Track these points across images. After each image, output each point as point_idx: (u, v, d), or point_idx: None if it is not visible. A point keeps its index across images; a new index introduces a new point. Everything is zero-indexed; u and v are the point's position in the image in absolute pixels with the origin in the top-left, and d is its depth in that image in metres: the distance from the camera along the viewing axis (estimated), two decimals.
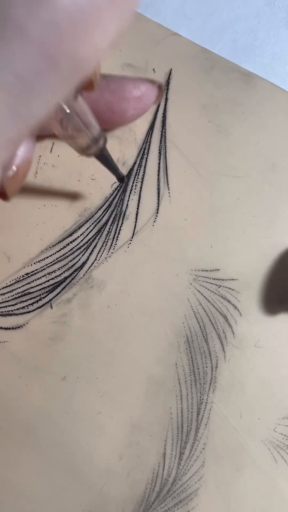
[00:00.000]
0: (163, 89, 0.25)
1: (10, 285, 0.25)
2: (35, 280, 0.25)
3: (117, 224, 0.26)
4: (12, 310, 0.25)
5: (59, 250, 0.26)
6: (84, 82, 0.16)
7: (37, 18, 0.08)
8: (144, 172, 0.26)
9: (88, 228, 0.26)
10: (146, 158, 0.27)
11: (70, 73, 0.09)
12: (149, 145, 0.27)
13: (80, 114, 0.18)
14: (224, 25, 0.27)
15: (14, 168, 0.19)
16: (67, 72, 0.09)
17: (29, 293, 0.25)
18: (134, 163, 0.26)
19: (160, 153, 0.27)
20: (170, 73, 0.27)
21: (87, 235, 0.26)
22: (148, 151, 0.27)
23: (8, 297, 0.25)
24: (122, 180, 0.24)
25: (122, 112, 0.23)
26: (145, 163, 0.27)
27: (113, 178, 0.26)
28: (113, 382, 0.25)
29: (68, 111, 0.18)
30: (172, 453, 0.25)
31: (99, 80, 0.18)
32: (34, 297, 0.25)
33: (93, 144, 0.20)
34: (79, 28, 0.08)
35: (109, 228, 0.26)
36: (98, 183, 0.26)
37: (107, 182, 0.26)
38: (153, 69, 0.27)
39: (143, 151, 0.27)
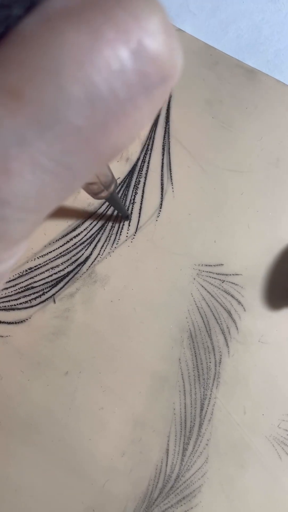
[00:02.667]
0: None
1: (13, 280, 0.25)
2: (38, 274, 0.26)
3: (121, 219, 0.26)
4: (15, 305, 0.25)
5: (63, 245, 0.26)
6: None
7: (90, 120, 0.09)
8: (147, 167, 0.27)
9: (91, 223, 0.26)
10: (150, 154, 0.27)
11: (108, 158, 0.11)
12: (153, 141, 0.27)
13: None
14: (228, 21, 0.28)
15: None
16: (107, 158, 0.11)
17: (32, 287, 0.25)
18: (138, 159, 0.27)
19: (163, 148, 0.27)
20: None
21: (91, 230, 0.26)
22: (151, 147, 0.27)
23: (11, 291, 0.25)
24: (127, 218, 0.26)
25: None
26: (149, 158, 0.27)
27: (116, 174, 0.26)
28: (116, 377, 0.25)
29: None
30: (175, 449, 0.25)
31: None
32: (37, 292, 0.25)
33: (105, 189, 0.21)
34: (121, 125, 0.10)
35: (113, 223, 0.26)
36: None
37: None
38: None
39: (147, 147, 0.27)
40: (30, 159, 0.09)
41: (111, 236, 0.26)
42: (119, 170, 0.27)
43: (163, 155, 0.27)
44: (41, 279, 0.26)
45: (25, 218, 0.10)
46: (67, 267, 0.26)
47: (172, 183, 0.27)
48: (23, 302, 0.25)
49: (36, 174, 0.09)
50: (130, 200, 0.27)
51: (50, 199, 0.10)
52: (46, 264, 0.26)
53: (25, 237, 0.11)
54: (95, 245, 0.26)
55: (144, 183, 0.27)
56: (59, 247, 0.26)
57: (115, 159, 0.10)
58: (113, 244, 0.26)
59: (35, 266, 0.26)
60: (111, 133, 0.10)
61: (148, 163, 0.27)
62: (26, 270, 0.26)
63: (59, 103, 0.09)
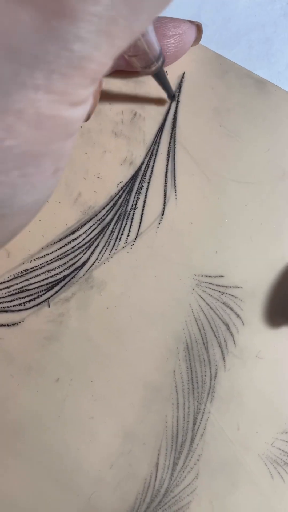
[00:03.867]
0: (201, 29, 0.26)
1: (7, 281, 0.25)
2: (34, 277, 0.25)
3: (121, 224, 0.26)
4: (8, 307, 0.25)
5: (60, 248, 0.25)
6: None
7: None
8: (151, 173, 0.26)
9: (91, 226, 0.26)
10: (154, 159, 0.27)
11: None
12: (158, 146, 0.27)
13: (146, 35, 0.21)
14: (240, 33, 0.28)
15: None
16: None
17: (27, 290, 0.25)
18: (142, 163, 0.27)
19: (168, 154, 0.27)
20: (182, 77, 0.27)
21: (90, 233, 0.26)
22: (156, 152, 0.27)
23: (5, 293, 0.25)
24: (173, 97, 0.27)
25: (164, 49, 0.25)
26: (153, 164, 0.27)
27: (118, 178, 0.26)
28: (108, 386, 0.25)
29: None
30: (165, 464, 0.24)
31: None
32: (31, 295, 0.25)
33: (155, 61, 0.23)
34: None
35: (113, 228, 0.26)
36: (103, 182, 0.26)
37: (112, 181, 0.26)
38: (166, 71, 0.27)
39: (152, 152, 0.27)
40: None
41: (110, 241, 0.26)
42: (122, 174, 0.26)
43: (167, 161, 0.27)
44: (36, 282, 0.25)
45: (99, 44, 0.11)
46: (63, 270, 0.25)
47: (175, 190, 0.26)
48: (17, 305, 0.25)
49: None
50: (132, 205, 0.26)
51: (120, 27, 0.11)
52: (43, 266, 0.25)
53: (97, 77, 0.12)
54: (94, 250, 0.26)
55: (147, 189, 0.26)
56: (56, 250, 0.26)
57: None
58: (112, 249, 0.26)
59: (31, 268, 0.25)
60: None
61: (152, 168, 0.27)
62: (21, 272, 0.25)
63: None
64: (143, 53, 0.21)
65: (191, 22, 0.26)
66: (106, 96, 0.27)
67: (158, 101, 0.27)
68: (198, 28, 0.26)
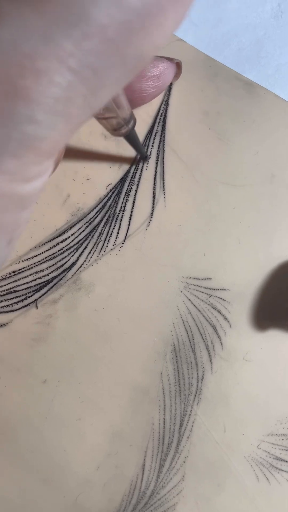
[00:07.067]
0: (181, 66, 0.26)
1: None
2: (22, 278, 0.26)
3: (110, 226, 0.27)
4: None
5: (49, 249, 0.26)
6: None
7: (114, 19, 0.10)
8: (140, 175, 0.27)
9: (79, 228, 0.27)
10: (144, 161, 0.27)
11: (133, 68, 0.11)
12: (147, 149, 0.27)
13: (115, 97, 0.21)
14: (231, 34, 0.28)
15: None
16: (131, 67, 0.11)
17: (15, 291, 0.26)
18: (131, 166, 0.27)
19: (157, 157, 0.27)
20: None
21: (78, 235, 0.27)
22: None
23: None
24: (146, 158, 0.28)
25: (141, 90, 0.24)
26: (142, 166, 0.27)
27: (107, 180, 0.27)
28: (96, 388, 0.25)
29: None
30: (151, 465, 0.25)
31: None
32: (19, 296, 0.26)
33: (125, 125, 0.22)
34: (146, 28, 0.10)
35: (101, 230, 0.27)
36: (92, 184, 0.27)
37: (102, 183, 0.27)
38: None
39: None
40: (57, 59, 0.09)
41: (99, 243, 0.27)
42: (111, 176, 0.27)
43: (156, 163, 0.28)
44: (24, 283, 0.26)
45: (55, 125, 0.10)
46: (52, 272, 0.26)
47: (164, 192, 0.27)
48: (5, 306, 0.26)
49: (63, 75, 0.10)
50: (121, 207, 0.27)
51: (78, 106, 0.11)
52: (31, 268, 0.26)
53: (53, 152, 0.11)
54: (82, 251, 0.27)
55: (136, 191, 0.27)
56: (45, 251, 0.26)
57: (137, 73, 0.11)
58: (100, 251, 0.27)
59: (19, 270, 0.26)
60: (135, 36, 0.10)
61: (141, 170, 0.27)
62: (9, 273, 0.26)
63: (86, 1, 0.09)
64: (113, 116, 0.21)
65: (170, 60, 0.25)
66: None
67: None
68: (178, 65, 0.26)
